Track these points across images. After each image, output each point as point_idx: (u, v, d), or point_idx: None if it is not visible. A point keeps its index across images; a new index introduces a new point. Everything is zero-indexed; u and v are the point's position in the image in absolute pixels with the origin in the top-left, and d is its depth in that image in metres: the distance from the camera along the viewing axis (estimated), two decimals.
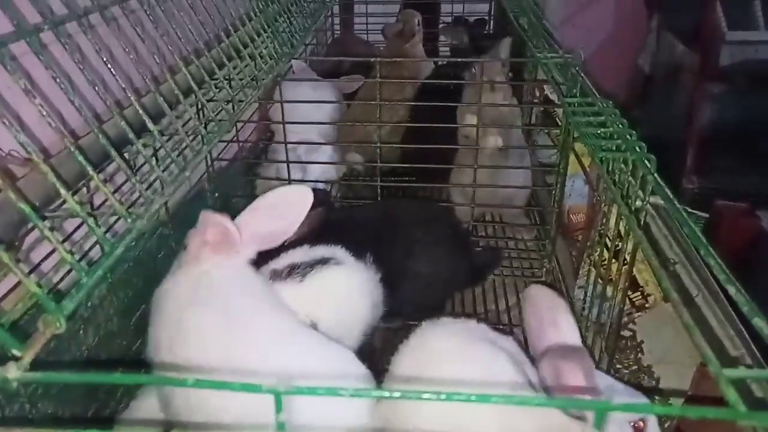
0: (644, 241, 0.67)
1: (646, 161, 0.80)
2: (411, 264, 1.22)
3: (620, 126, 0.90)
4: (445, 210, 1.50)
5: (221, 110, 0.98)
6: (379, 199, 1.53)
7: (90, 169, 0.57)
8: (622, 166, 0.86)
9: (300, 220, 0.94)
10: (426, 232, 1.25)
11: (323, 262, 1.01)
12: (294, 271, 0.99)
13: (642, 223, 0.81)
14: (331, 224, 1.21)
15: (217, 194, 1.49)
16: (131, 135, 0.66)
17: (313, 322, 0.98)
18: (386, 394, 0.39)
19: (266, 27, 1.23)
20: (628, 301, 1.18)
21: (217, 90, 0.98)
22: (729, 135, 2.39)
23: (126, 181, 0.98)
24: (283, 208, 0.94)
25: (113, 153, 0.63)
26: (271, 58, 1.19)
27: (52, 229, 0.53)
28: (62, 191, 0.53)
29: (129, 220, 0.58)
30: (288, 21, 1.49)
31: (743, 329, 0.79)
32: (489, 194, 1.51)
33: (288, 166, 1.56)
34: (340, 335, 1.02)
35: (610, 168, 0.87)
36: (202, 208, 0.90)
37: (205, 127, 0.91)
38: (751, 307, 0.48)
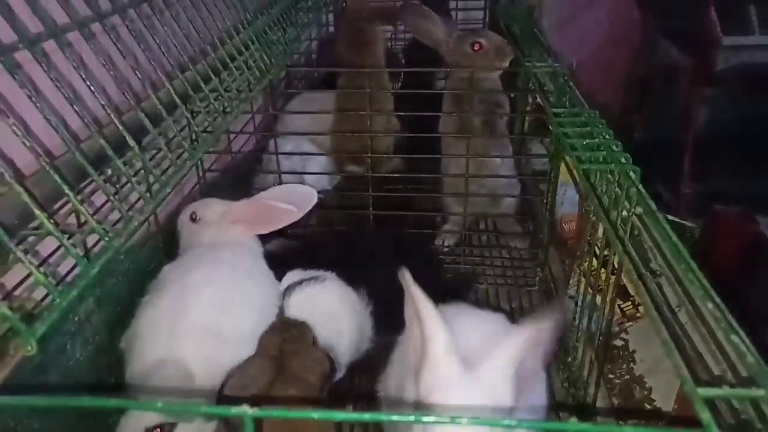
0: (623, 254, 0.67)
1: (631, 173, 0.80)
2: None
3: (606, 137, 0.90)
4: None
5: (208, 125, 0.98)
6: (371, 209, 1.53)
7: (66, 189, 0.57)
8: (609, 176, 0.85)
9: (301, 214, 1.13)
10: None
11: (307, 281, 1.08)
12: (287, 292, 1.07)
13: (628, 233, 0.80)
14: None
15: None
16: (110, 153, 0.65)
17: None
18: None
19: (254, 39, 1.23)
20: (619, 311, 1.17)
21: (204, 104, 0.98)
22: (725, 139, 2.39)
23: (108, 201, 0.98)
24: (290, 200, 1.12)
25: (91, 171, 0.62)
26: (259, 71, 1.19)
27: (26, 251, 0.53)
28: (37, 212, 0.53)
29: (106, 238, 0.58)
30: (281, 31, 1.49)
31: (725, 345, 0.78)
32: (478, 188, 1.51)
33: (280, 177, 1.56)
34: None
35: (596, 179, 0.86)
36: None
37: (192, 143, 0.91)
38: (728, 324, 0.47)
